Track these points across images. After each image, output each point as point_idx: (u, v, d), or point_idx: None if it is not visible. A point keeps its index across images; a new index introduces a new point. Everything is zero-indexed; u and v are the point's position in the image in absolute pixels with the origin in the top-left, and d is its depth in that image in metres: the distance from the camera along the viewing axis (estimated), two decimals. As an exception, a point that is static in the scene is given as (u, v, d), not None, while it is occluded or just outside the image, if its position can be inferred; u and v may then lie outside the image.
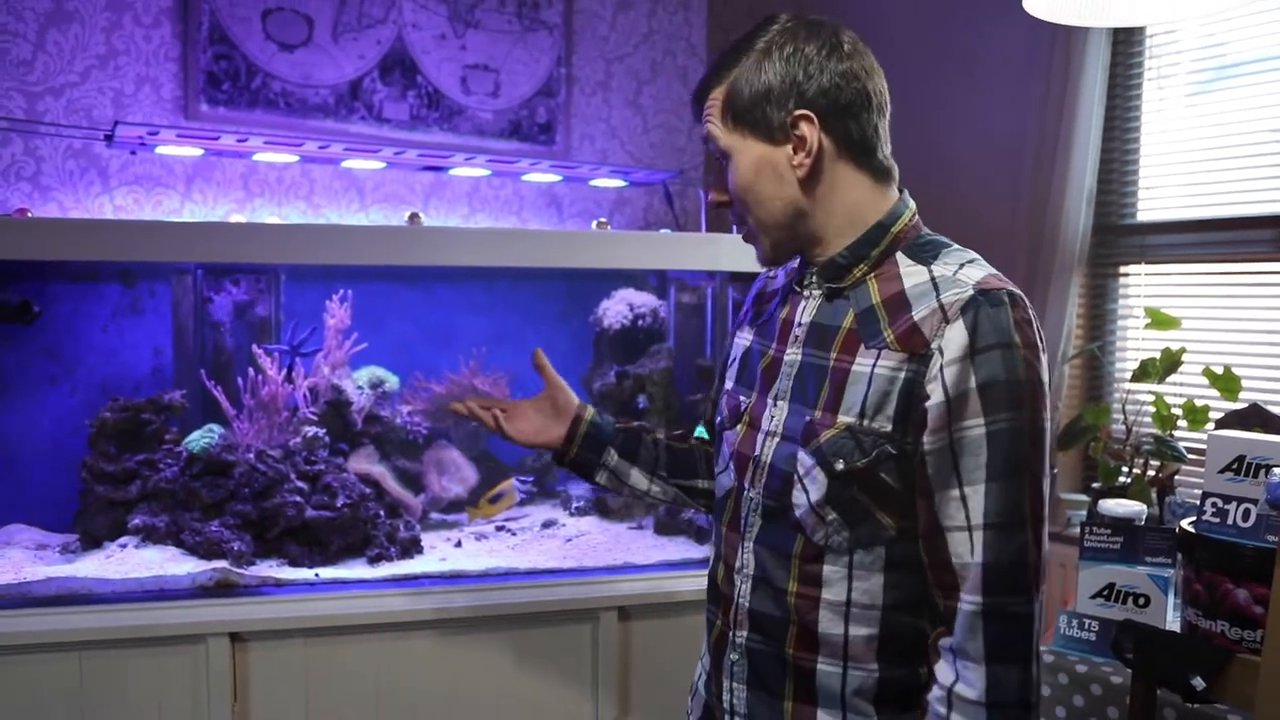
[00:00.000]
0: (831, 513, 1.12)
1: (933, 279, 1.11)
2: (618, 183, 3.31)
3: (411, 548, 2.40)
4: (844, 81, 1.14)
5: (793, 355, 1.19)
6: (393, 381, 2.68)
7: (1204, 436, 2.15)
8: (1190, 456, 2.25)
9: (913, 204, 1.20)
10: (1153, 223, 2.56)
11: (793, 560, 1.15)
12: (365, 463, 2.47)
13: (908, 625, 1.11)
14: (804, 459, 1.13)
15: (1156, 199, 2.56)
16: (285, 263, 2.47)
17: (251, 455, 2.32)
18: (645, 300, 2.84)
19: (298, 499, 2.30)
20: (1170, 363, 2.30)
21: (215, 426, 2.36)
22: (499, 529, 2.61)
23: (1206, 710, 1.54)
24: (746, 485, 1.21)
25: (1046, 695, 1.72)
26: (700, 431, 2.63)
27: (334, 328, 2.50)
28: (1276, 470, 1.46)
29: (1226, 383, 2.21)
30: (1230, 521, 1.53)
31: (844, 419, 1.11)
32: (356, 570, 2.29)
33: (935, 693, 1.07)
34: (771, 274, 1.37)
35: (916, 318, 1.08)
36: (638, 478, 1.51)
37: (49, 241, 2.13)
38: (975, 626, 1.04)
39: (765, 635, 1.18)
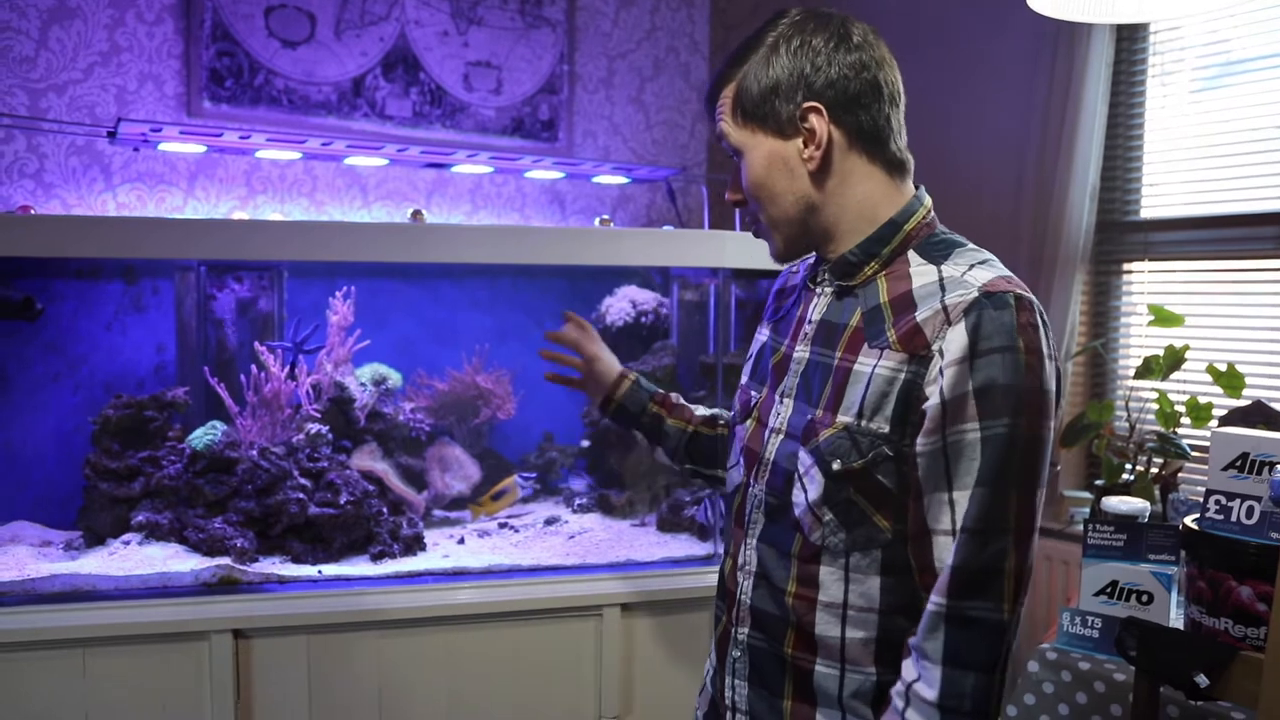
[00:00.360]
0: (828, 513, 1.11)
1: (941, 279, 1.09)
2: (620, 179, 3.31)
3: (414, 545, 2.40)
4: (853, 73, 1.13)
5: (801, 352, 1.19)
6: (395, 379, 2.68)
7: (1207, 434, 2.15)
8: (1193, 454, 2.25)
9: (928, 200, 1.18)
10: (1156, 220, 2.56)
11: (791, 560, 1.15)
12: (368, 460, 2.47)
13: (905, 629, 1.10)
14: (804, 458, 1.13)
15: (1160, 196, 2.56)
16: (288, 260, 2.47)
17: (255, 452, 2.32)
18: (648, 297, 2.84)
19: (301, 496, 2.30)
20: (1173, 360, 2.30)
21: (218, 423, 2.36)
22: (502, 526, 2.62)
23: (1210, 708, 1.54)
24: (752, 481, 1.22)
25: (1049, 693, 1.72)
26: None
27: (337, 325, 2.50)
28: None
29: (1230, 380, 2.21)
30: (1234, 519, 1.53)
31: (843, 419, 1.10)
32: (359, 567, 2.29)
33: (897, 686, 1.07)
34: (794, 269, 1.36)
35: (919, 318, 1.07)
36: (663, 455, 1.57)
37: (52, 239, 2.13)
38: (937, 627, 1.03)
39: (766, 633, 1.18)
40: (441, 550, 2.43)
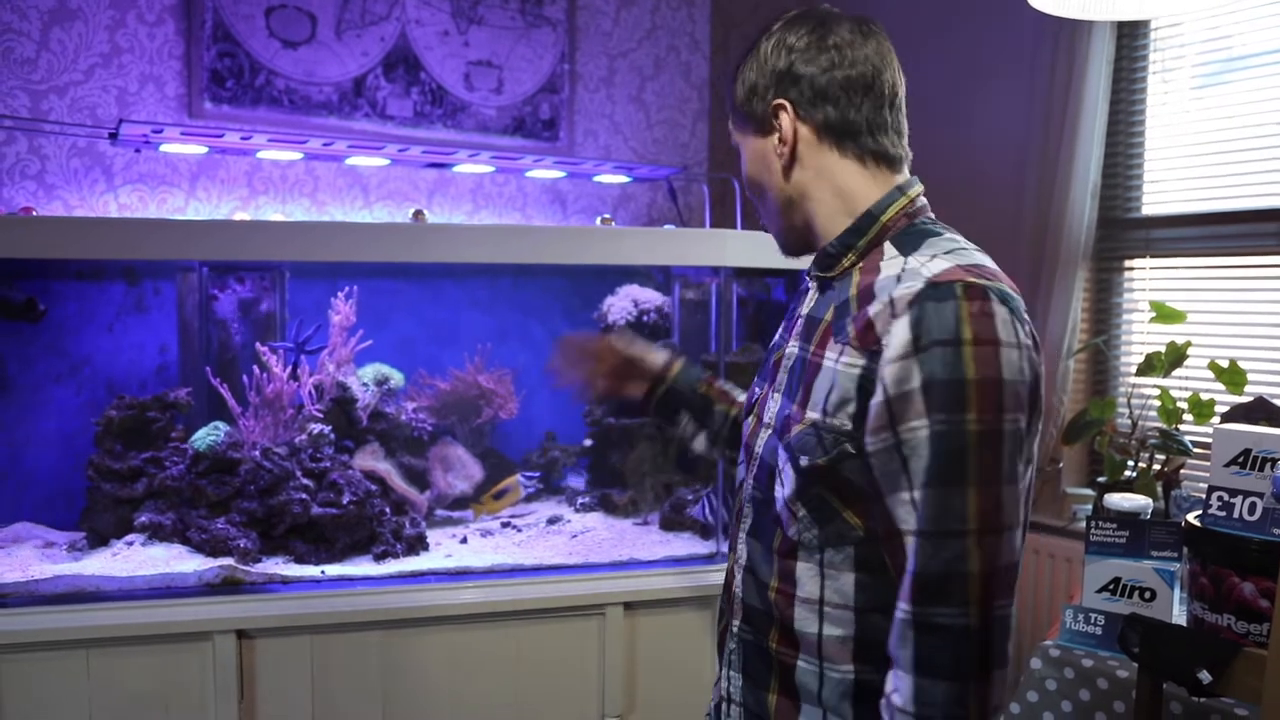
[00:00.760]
0: (801, 509, 1.11)
1: (902, 271, 1.08)
2: (621, 179, 3.31)
3: (417, 544, 2.40)
4: (819, 70, 1.14)
5: (791, 348, 1.20)
6: (397, 378, 2.68)
7: (1209, 430, 2.15)
8: (1196, 450, 2.25)
9: (914, 190, 1.17)
10: (1157, 216, 2.55)
11: (773, 554, 1.15)
12: (371, 460, 2.47)
13: (883, 628, 1.08)
14: (780, 453, 1.14)
15: (1161, 193, 2.56)
16: (289, 260, 2.47)
17: (257, 453, 2.32)
18: (650, 296, 2.84)
19: (303, 496, 2.30)
20: (1175, 356, 2.30)
21: (221, 424, 2.36)
22: (504, 525, 2.62)
23: (1213, 704, 1.54)
24: (746, 476, 1.23)
25: (1052, 690, 1.72)
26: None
27: (339, 325, 2.50)
28: (1283, 464, 1.46)
29: (1232, 376, 2.21)
30: (1236, 515, 1.53)
31: (810, 415, 1.10)
32: (362, 567, 2.30)
33: (882, 699, 1.06)
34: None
35: (871, 313, 1.06)
36: (702, 443, 1.53)
37: (54, 240, 2.14)
38: (905, 636, 1.01)
39: (754, 627, 1.18)
40: (444, 550, 2.44)
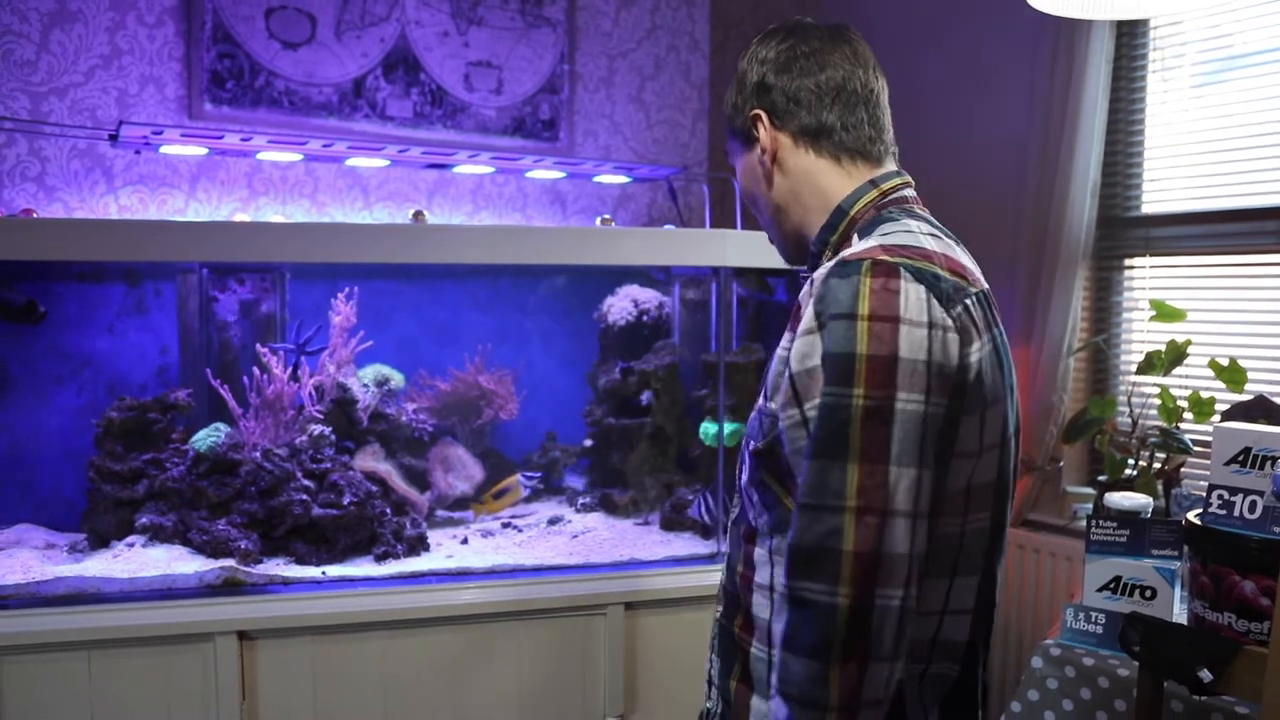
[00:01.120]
0: (755, 494, 1.13)
1: None
2: (621, 179, 3.31)
3: (418, 545, 2.40)
4: (789, 78, 1.18)
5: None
6: (398, 379, 2.68)
7: (1210, 429, 2.15)
8: (1196, 449, 2.25)
9: (888, 183, 1.18)
10: (1157, 215, 2.55)
11: (741, 541, 1.17)
12: (371, 460, 2.48)
13: None
14: (745, 441, 1.17)
15: (1161, 191, 2.56)
16: (290, 261, 2.47)
17: (258, 454, 2.33)
18: (650, 296, 2.85)
19: (304, 497, 2.30)
20: (1176, 355, 2.30)
21: (221, 425, 2.36)
22: (505, 526, 2.62)
23: (1213, 702, 1.54)
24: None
25: (1053, 688, 1.72)
26: (704, 429, 2.64)
27: (339, 326, 2.51)
28: (1283, 462, 1.46)
29: (1232, 375, 2.21)
30: (1236, 513, 1.53)
31: (760, 401, 1.13)
32: (363, 568, 2.30)
33: None
34: None
35: (800, 297, 1.08)
36: None
37: (54, 242, 2.14)
38: (780, 609, 1.01)
39: (727, 613, 1.20)
40: (445, 550, 2.44)
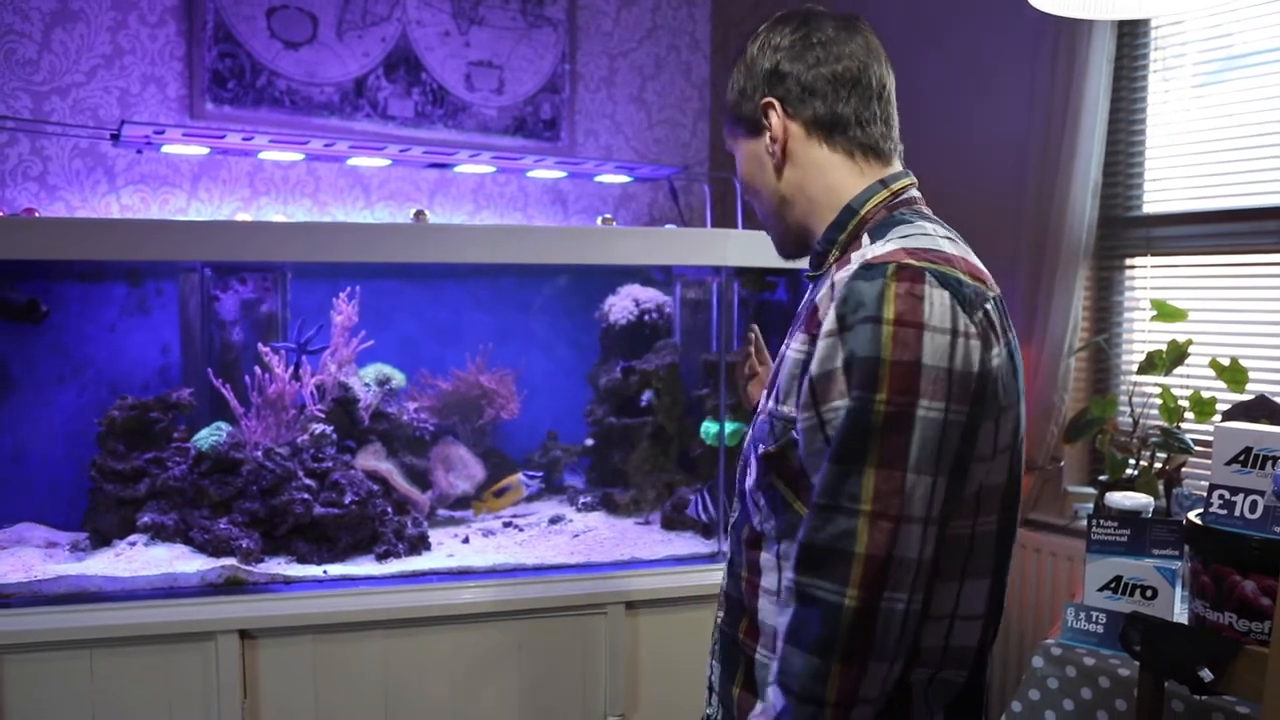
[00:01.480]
0: (761, 498, 1.12)
1: (860, 258, 1.07)
2: (622, 178, 3.31)
3: (419, 544, 2.40)
4: (805, 67, 1.16)
5: (782, 348, 1.22)
6: (399, 378, 2.68)
7: (1211, 428, 2.15)
8: (1197, 448, 2.25)
9: (898, 184, 1.17)
10: (1159, 215, 2.55)
11: (744, 545, 1.16)
12: (373, 460, 2.48)
13: None
14: (750, 444, 1.16)
15: (1162, 191, 2.55)
16: (291, 261, 2.47)
17: (259, 453, 2.33)
18: (651, 296, 2.85)
19: (306, 496, 2.30)
20: (1177, 355, 2.30)
21: (223, 424, 2.36)
22: (506, 525, 2.62)
23: (1214, 702, 1.54)
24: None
25: (1053, 688, 1.72)
26: (705, 428, 2.64)
27: (340, 325, 2.51)
28: (1284, 462, 1.46)
29: (1233, 375, 2.21)
30: (1237, 513, 1.53)
31: (769, 404, 1.12)
32: (364, 567, 2.30)
33: None
34: None
35: (817, 298, 1.07)
36: None
37: (56, 241, 2.14)
38: (787, 602, 1.01)
39: (730, 619, 1.19)
40: (446, 550, 2.44)
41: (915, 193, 1.19)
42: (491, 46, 3.20)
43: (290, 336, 2.51)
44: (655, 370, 2.73)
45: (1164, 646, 1.49)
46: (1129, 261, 2.62)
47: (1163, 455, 2.27)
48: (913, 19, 2.99)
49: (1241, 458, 1.54)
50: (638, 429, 2.74)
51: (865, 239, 1.12)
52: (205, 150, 2.78)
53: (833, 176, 1.17)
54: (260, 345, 2.42)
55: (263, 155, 2.86)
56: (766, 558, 1.12)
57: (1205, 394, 2.26)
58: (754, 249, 2.42)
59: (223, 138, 2.68)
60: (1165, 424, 2.29)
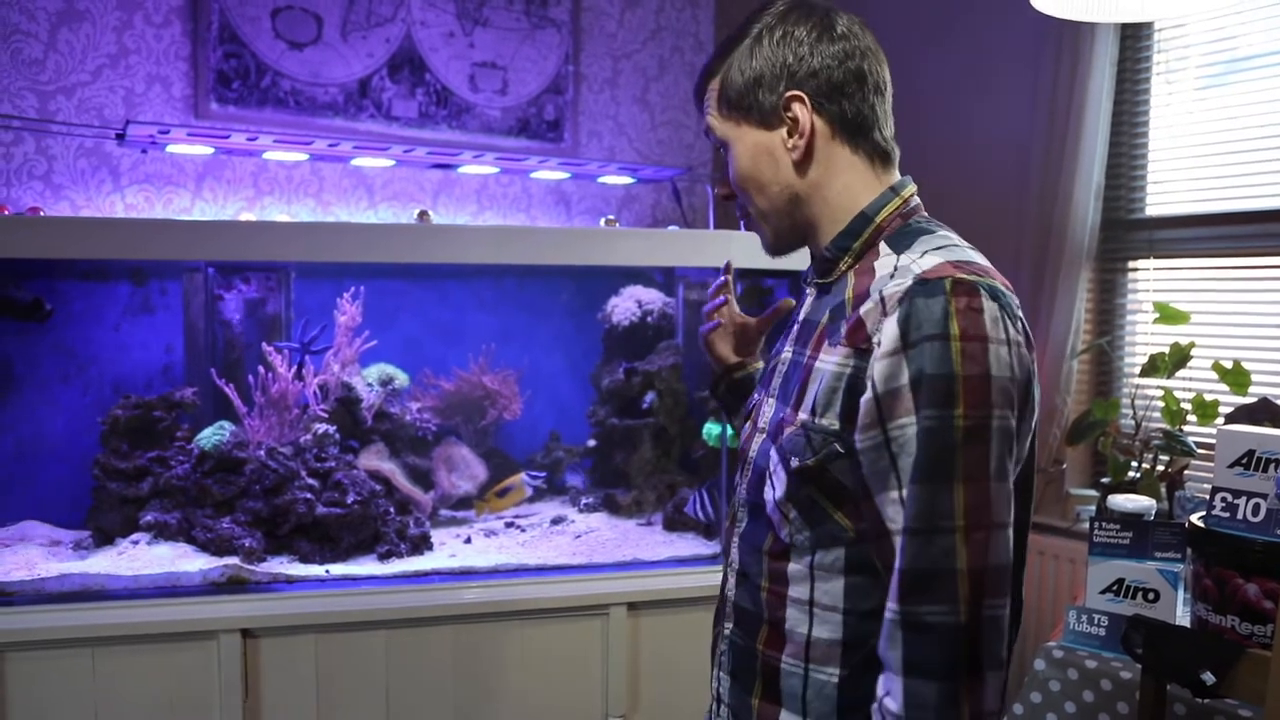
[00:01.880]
0: (793, 510, 1.10)
1: (894, 270, 1.06)
2: (626, 180, 3.31)
3: (421, 544, 2.41)
4: (835, 62, 1.13)
5: (787, 353, 1.20)
6: (402, 379, 2.69)
7: (1213, 431, 2.15)
8: (1200, 451, 2.25)
9: (907, 190, 1.17)
10: (1161, 217, 2.55)
11: (764, 556, 1.15)
12: (375, 460, 2.48)
13: (873, 631, 1.06)
14: (772, 455, 1.14)
15: (1165, 194, 2.55)
16: (295, 260, 2.48)
17: (262, 452, 2.33)
18: (654, 297, 2.85)
19: (308, 496, 2.31)
20: (1179, 357, 2.30)
21: (226, 423, 2.37)
22: (508, 525, 2.62)
23: (1217, 705, 1.54)
24: (739, 479, 1.23)
25: (1055, 691, 1.72)
26: (707, 430, 2.64)
27: (344, 325, 2.51)
28: (1286, 465, 1.46)
29: (1236, 377, 2.21)
30: (1240, 516, 1.53)
31: (801, 416, 1.10)
32: (367, 567, 2.30)
33: (875, 703, 1.05)
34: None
35: (862, 311, 1.06)
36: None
37: (61, 240, 2.14)
38: (894, 636, 1.00)
39: (743, 629, 1.18)
40: (448, 550, 2.44)
41: (918, 199, 1.19)
42: (495, 47, 3.20)
43: (294, 336, 2.51)
44: (658, 371, 2.74)
45: (1166, 649, 1.49)
46: (1131, 264, 2.62)
47: (1165, 458, 2.27)
48: (916, 20, 2.99)
49: (1244, 460, 1.54)
50: (640, 430, 2.74)
51: (883, 247, 1.11)
52: (210, 150, 2.79)
53: (851, 178, 1.15)
54: (264, 345, 2.42)
55: (267, 155, 2.86)
56: (797, 569, 1.11)
57: (1208, 396, 2.26)
58: (757, 250, 2.41)
59: (227, 138, 2.68)
60: (1168, 426, 2.29)
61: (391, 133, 3.06)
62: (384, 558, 2.33)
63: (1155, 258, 2.57)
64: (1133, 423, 2.41)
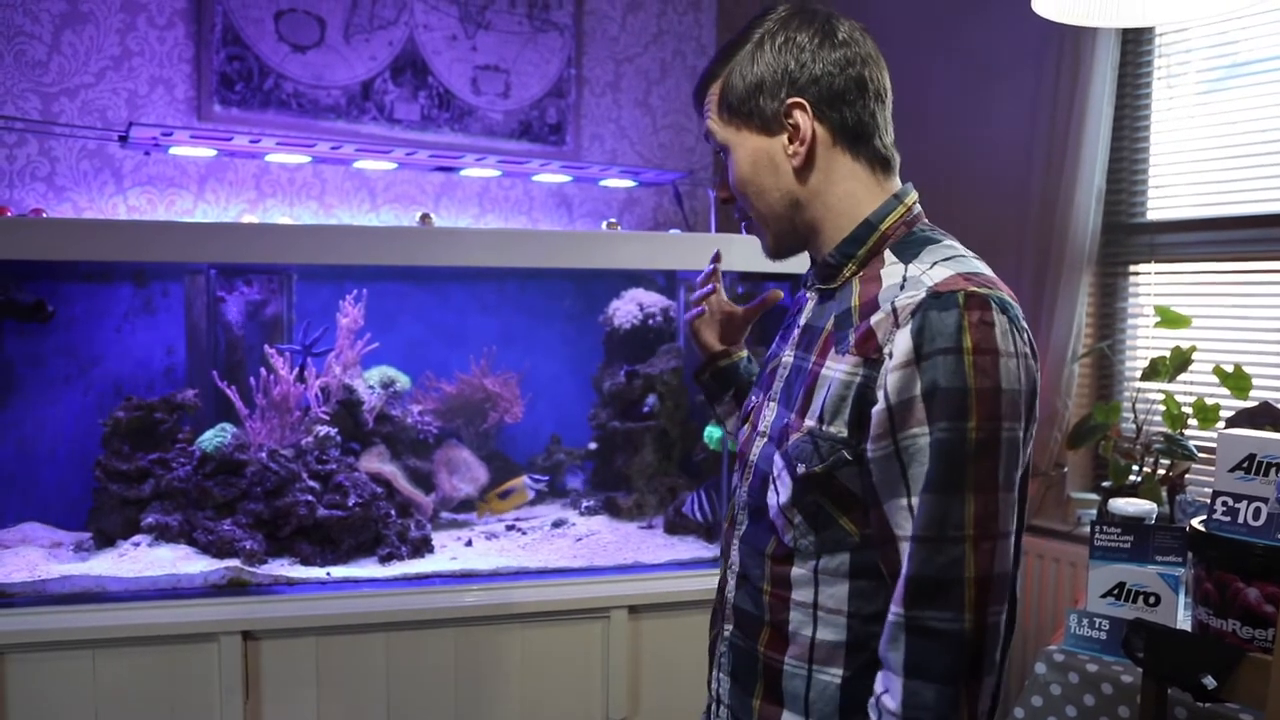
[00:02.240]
0: (798, 515, 1.11)
1: (903, 280, 1.07)
2: (627, 183, 3.32)
3: (422, 547, 2.41)
4: (837, 69, 1.13)
5: (788, 358, 1.20)
6: (404, 381, 2.69)
7: (1214, 435, 2.15)
8: (1201, 455, 2.25)
9: (910, 198, 1.17)
10: (1162, 221, 2.55)
11: (766, 560, 1.15)
12: (376, 462, 2.48)
13: (876, 634, 1.08)
14: (776, 461, 1.14)
15: (1166, 198, 2.56)
16: (297, 263, 2.48)
17: (264, 454, 2.33)
18: (655, 300, 2.85)
19: (309, 498, 2.31)
20: (1180, 361, 2.30)
21: (228, 426, 2.37)
22: (509, 528, 2.62)
23: (1217, 709, 1.54)
24: (739, 483, 1.24)
25: (1056, 695, 1.72)
26: (708, 433, 2.65)
27: (346, 327, 2.51)
28: (1287, 469, 1.46)
29: (1237, 381, 2.21)
30: (1241, 520, 1.53)
31: (808, 423, 1.10)
32: (368, 569, 2.30)
33: (871, 699, 1.06)
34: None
35: (873, 321, 1.06)
36: (732, 423, 1.52)
37: (63, 241, 2.15)
38: (897, 638, 1.02)
39: (744, 631, 1.19)
40: (449, 552, 2.44)
41: (920, 206, 1.19)
42: (498, 51, 3.21)
43: (295, 338, 2.51)
44: (659, 374, 2.74)
45: (1167, 653, 1.49)
46: (1133, 268, 2.62)
47: (1166, 462, 2.27)
48: (918, 25, 3.00)
49: (1245, 464, 1.54)
50: (641, 433, 2.75)
51: (888, 255, 1.12)
52: (212, 152, 2.79)
53: (852, 185, 1.16)
54: (266, 347, 2.42)
55: (269, 158, 2.87)
56: (800, 573, 1.12)
57: (1209, 400, 2.26)
58: (757, 254, 2.42)
59: (230, 140, 2.69)
60: (1169, 430, 2.29)
61: (394, 135, 3.07)
62: (385, 560, 2.33)
63: (1156, 262, 2.57)
64: (1134, 427, 2.41)
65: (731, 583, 1.23)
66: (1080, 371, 2.61)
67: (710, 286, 1.52)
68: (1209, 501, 1.59)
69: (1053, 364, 2.56)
